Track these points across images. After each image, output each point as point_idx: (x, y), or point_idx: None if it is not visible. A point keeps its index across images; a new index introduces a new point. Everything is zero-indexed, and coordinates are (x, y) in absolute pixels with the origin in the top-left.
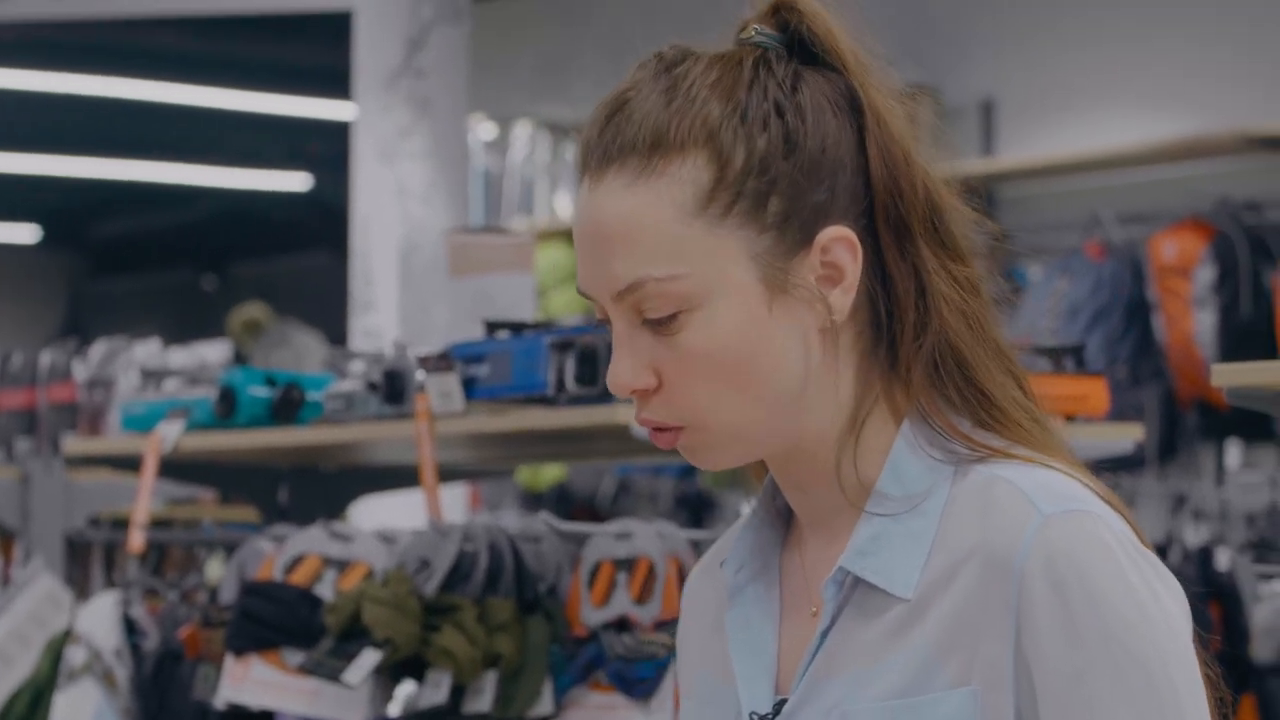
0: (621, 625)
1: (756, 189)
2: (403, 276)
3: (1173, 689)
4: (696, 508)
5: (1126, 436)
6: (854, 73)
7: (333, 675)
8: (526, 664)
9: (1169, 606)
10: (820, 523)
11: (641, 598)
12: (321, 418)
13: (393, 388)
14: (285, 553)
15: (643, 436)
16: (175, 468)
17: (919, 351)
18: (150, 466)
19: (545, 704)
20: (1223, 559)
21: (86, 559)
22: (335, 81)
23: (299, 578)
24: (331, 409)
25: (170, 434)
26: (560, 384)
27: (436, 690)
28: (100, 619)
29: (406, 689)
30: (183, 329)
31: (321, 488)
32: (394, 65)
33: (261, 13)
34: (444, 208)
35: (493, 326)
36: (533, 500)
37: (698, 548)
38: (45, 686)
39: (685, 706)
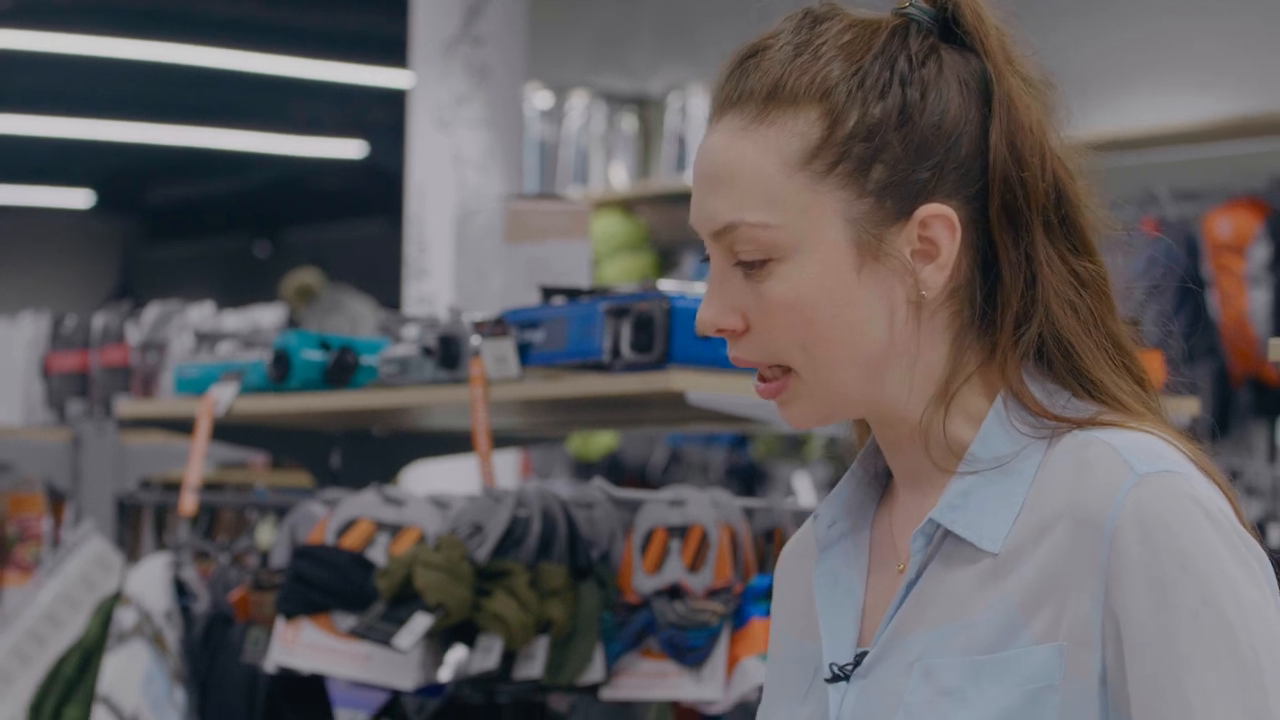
0: (674, 593)
1: (862, 153)
2: (458, 243)
3: (1256, 660)
4: (748, 478)
5: (1184, 412)
6: (993, 57)
7: (384, 639)
8: (578, 630)
9: (1258, 576)
10: (913, 484)
11: (694, 565)
12: (375, 382)
13: (448, 352)
14: (337, 516)
15: (699, 404)
16: (228, 431)
17: (1018, 341)
18: (203, 429)
19: (596, 670)
20: (1275, 535)
21: (137, 522)
22: (393, 49)
23: (351, 542)
24: (386, 373)
25: (224, 397)
26: (615, 350)
27: (487, 655)
28: (151, 581)
29: (457, 654)
30: (235, 295)
31: (374, 452)
32: (452, 33)
33: None
34: (499, 176)
35: (549, 292)
36: (584, 469)
37: (752, 516)
38: (95, 648)
39: (768, 672)
